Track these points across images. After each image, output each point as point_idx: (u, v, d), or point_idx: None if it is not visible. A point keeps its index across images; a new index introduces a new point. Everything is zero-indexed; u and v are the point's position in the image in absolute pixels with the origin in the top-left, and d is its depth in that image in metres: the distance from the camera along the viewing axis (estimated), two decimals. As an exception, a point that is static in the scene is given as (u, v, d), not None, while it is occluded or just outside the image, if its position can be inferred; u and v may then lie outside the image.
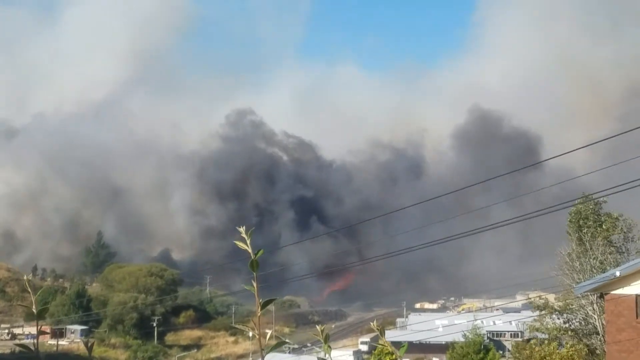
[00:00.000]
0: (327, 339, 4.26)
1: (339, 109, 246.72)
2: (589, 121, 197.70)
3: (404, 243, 38.82)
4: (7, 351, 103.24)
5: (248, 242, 4.08)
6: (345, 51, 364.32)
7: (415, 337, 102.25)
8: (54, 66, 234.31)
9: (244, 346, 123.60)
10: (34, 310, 4.09)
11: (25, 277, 4.81)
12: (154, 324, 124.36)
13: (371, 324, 4.83)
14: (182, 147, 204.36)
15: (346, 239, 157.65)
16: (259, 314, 4.01)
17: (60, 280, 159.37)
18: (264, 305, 4.01)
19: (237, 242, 4.12)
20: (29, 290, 4.16)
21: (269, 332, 4.11)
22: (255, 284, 4.10)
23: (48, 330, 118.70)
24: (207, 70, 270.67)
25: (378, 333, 4.44)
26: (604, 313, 29.02)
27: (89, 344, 4.02)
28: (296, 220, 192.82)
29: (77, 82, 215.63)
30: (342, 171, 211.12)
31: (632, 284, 24.89)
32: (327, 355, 4.30)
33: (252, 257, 4.04)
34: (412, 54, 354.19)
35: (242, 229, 4.12)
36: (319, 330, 4.25)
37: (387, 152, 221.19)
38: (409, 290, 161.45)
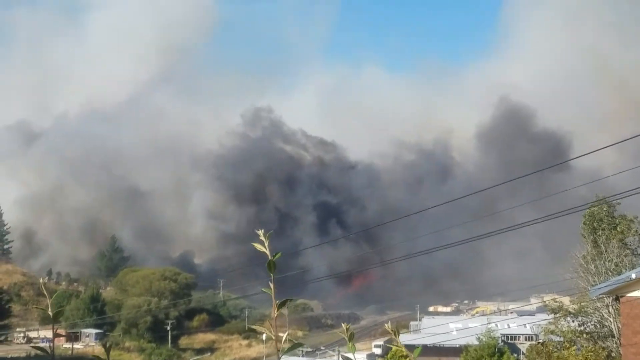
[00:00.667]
0: (352, 337, 4.26)
1: (363, 110, 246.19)
2: (618, 123, 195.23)
3: (424, 246, 38.74)
4: (23, 354, 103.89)
5: (266, 244, 4.10)
6: (370, 52, 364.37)
7: (429, 341, 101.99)
8: (76, 67, 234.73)
9: (257, 349, 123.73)
10: (50, 313, 4.11)
11: (40, 281, 4.85)
12: (168, 328, 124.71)
13: (385, 325, 4.81)
14: (204, 148, 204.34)
15: (368, 242, 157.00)
16: (275, 316, 4.02)
17: (75, 284, 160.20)
18: (280, 306, 4.02)
19: (255, 244, 4.13)
20: (45, 293, 4.18)
21: (283, 335, 4.10)
22: (272, 286, 4.11)
23: (63, 334, 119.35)
24: (232, 72, 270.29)
25: (393, 335, 4.42)
26: (619, 316, 28.85)
27: (107, 346, 4.03)
28: (317, 224, 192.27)
29: (99, 83, 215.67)
30: (367, 173, 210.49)
31: (648, 287, 24.70)
32: (352, 355, 4.30)
33: (270, 259, 4.05)
34: (437, 54, 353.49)
35: (260, 232, 4.14)
36: (344, 328, 4.25)
37: (413, 153, 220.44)
38: (423, 293, 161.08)
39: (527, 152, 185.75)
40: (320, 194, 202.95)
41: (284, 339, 4.03)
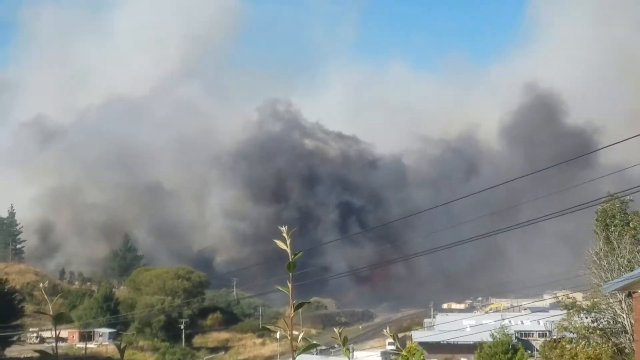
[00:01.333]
0: (345, 342, 4.30)
1: (389, 106, 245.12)
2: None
3: (442, 243, 38.62)
4: (36, 354, 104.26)
5: (288, 242, 4.13)
6: (395, 49, 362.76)
7: (442, 337, 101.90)
8: (98, 64, 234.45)
9: (271, 348, 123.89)
10: (51, 315, 4.19)
11: (41, 285, 4.96)
12: (182, 327, 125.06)
13: (384, 331, 4.89)
14: (227, 146, 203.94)
15: (388, 241, 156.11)
16: (291, 316, 4.05)
17: (88, 283, 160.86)
18: (297, 307, 4.05)
19: (277, 241, 4.15)
20: (46, 298, 4.26)
21: (299, 333, 4.17)
22: (290, 285, 4.14)
23: (70, 335, 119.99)
24: (257, 70, 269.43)
25: (393, 339, 4.50)
26: (632, 312, 28.80)
27: (122, 347, 4.12)
28: (339, 222, 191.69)
29: (121, 81, 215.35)
30: (391, 169, 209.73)
31: (660, 283, 24.69)
32: (348, 358, 4.35)
33: (290, 258, 4.09)
34: (462, 51, 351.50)
35: (283, 228, 4.16)
36: (337, 332, 4.30)
37: (438, 149, 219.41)
38: (437, 290, 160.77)
39: (554, 148, 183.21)
40: (343, 192, 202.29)
41: (300, 337, 4.09)
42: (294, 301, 4.05)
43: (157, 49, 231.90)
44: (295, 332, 4.15)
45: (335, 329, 4.35)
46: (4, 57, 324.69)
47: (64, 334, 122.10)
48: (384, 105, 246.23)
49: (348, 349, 4.35)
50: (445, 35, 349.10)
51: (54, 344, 4.28)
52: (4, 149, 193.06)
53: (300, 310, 4.04)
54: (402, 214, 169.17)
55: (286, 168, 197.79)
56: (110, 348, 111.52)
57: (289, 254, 4.07)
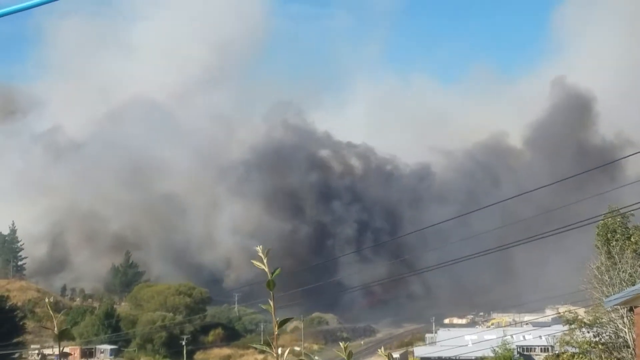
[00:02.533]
0: (350, 357, 4.37)
1: (413, 119, 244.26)
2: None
3: (453, 257, 38.49)
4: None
5: (265, 261, 4.18)
6: (419, 62, 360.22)
7: (445, 353, 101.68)
8: (118, 76, 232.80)
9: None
10: (56, 332, 4.24)
11: (46, 300, 5.01)
12: (183, 343, 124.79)
13: (379, 351, 4.97)
14: (243, 159, 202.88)
15: (402, 254, 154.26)
16: (276, 333, 4.13)
17: (90, 300, 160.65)
18: (281, 325, 4.13)
19: (254, 262, 4.23)
20: (51, 313, 4.32)
21: (286, 349, 4.25)
22: (272, 303, 4.21)
23: (72, 352, 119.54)
24: (281, 83, 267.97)
25: (387, 359, 4.58)
26: (634, 326, 28.81)
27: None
28: (355, 237, 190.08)
29: (142, 91, 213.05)
30: (413, 182, 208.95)
31: (661, 297, 24.72)
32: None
33: (269, 277, 4.16)
34: (488, 62, 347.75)
35: (259, 248, 4.23)
36: (342, 347, 4.37)
37: (464, 161, 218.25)
38: (440, 305, 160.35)
39: (581, 160, 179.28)
40: (360, 207, 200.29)
41: (287, 352, 4.16)
42: (277, 318, 4.12)
43: (181, 58, 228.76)
44: (297, 348, 4.23)
45: (340, 344, 4.42)
46: (26, 70, 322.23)
47: (65, 350, 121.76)
48: (407, 117, 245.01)
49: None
50: (470, 47, 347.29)
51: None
52: (16, 163, 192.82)
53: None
54: (420, 228, 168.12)
55: (301, 181, 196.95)
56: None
57: (268, 273, 4.13)
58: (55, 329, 4.21)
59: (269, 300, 4.22)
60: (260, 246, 4.22)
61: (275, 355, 4.14)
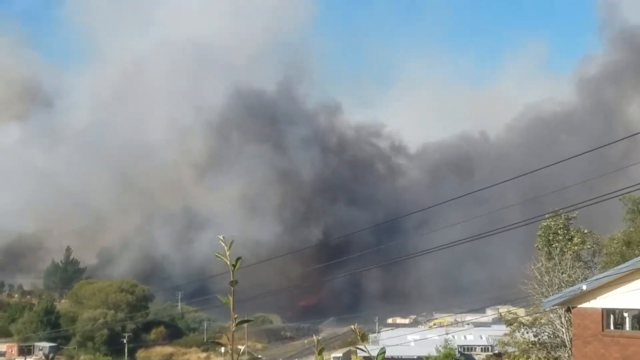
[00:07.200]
0: (321, 352, 4.35)
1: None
2: None
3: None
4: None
5: (227, 253, 4.16)
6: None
7: (387, 353, 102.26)
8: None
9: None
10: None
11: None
12: (125, 341, 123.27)
13: (352, 327, 5.02)
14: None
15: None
16: (233, 329, 4.09)
17: (28, 296, 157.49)
18: (239, 324, 4.08)
19: (216, 253, 4.17)
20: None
21: (241, 347, 4.22)
22: (231, 298, 4.15)
23: (9, 349, 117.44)
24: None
25: (359, 337, 4.62)
26: (571, 326, 29.43)
27: (51, 358, 4.12)
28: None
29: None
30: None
31: (598, 298, 25.31)
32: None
33: (231, 269, 4.10)
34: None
35: (221, 237, 4.19)
36: (316, 340, 4.35)
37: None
38: (383, 305, 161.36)
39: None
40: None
41: (242, 350, 4.14)
42: (236, 315, 4.08)
43: (227, 46, 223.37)
44: (240, 347, 4.19)
45: (314, 337, 4.40)
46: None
47: (1, 348, 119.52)
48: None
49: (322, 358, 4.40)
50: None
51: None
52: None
53: (245, 324, 4.10)
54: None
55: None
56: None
57: (228, 263, 4.09)
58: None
59: (229, 296, 4.15)
60: (223, 236, 4.17)
61: (231, 350, 4.11)
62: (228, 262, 4.10)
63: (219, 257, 4.15)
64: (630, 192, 35.34)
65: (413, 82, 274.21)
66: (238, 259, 4.13)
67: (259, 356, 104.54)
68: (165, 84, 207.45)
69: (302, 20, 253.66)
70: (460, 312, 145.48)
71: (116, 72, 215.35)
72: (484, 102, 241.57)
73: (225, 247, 4.14)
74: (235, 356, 4.12)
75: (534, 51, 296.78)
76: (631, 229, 43.63)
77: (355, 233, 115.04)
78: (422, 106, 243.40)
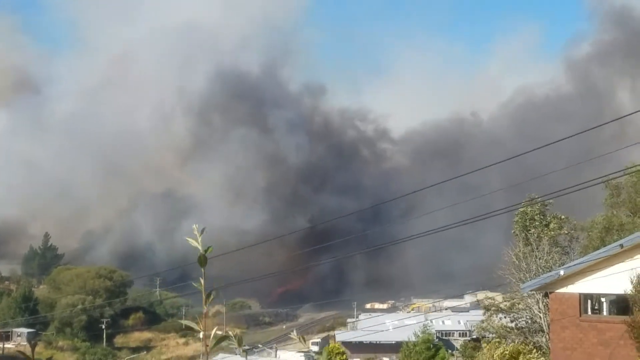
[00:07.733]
0: (240, 342, 4.39)
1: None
2: None
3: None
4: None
5: (199, 239, 4.21)
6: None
7: (366, 338, 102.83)
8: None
9: (194, 347, 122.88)
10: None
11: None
12: (103, 326, 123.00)
13: (290, 334, 4.97)
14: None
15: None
16: (205, 310, 4.15)
17: (6, 282, 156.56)
18: (207, 298, 4.14)
19: (189, 239, 4.25)
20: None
21: (219, 332, 4.21)
22: (202, 282, 4.24)
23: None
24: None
25: (299, 340, 4.61)
26: (548, 311, 29.66)
27: (33, 344, 4.11)
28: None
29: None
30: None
31: (575, 283, 25.50)
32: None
33: (200, 253, 4.16)
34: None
35: (195, 226, 4.26)
36: (232, 335, 4.39)
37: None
38: (362, 290, 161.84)
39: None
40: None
41: (212, 334, 4.15)
42: (212, 296, 4.14)
43: (216, 35, 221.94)
44: (219, 332, 4.21)
45: (230, 332, 4.43)
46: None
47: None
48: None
49: (245, 351, 4.45)
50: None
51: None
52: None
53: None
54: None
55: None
56: (28, 348, 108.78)
57: (200, 250, 4.17)
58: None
59: (200, 279, 4.24)
60: (196, 224, 4.24)
61: (203, 332, 4.14)
62: (200, 248, 4.20)
63: (191, 243, 4.26)
64: (610, 179, 35.62)
65: (403, 67, 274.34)
66: (208, 247, 4.25)
67: (231, 334, 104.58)
68: (151, 69, 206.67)
69: (291, 3, 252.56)
70: (439, 299, 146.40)
71: (102, 59, 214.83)
72: (474, 87, 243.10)
73: (198, 235, 4.25)
74: (207, 341, 4.15)
75: (525, 36, 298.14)
76: (610, 214, 43.93)
77: (341, 219, 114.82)
78: (412, 91, 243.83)
